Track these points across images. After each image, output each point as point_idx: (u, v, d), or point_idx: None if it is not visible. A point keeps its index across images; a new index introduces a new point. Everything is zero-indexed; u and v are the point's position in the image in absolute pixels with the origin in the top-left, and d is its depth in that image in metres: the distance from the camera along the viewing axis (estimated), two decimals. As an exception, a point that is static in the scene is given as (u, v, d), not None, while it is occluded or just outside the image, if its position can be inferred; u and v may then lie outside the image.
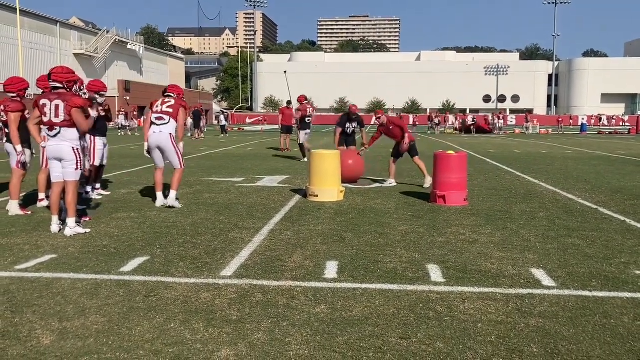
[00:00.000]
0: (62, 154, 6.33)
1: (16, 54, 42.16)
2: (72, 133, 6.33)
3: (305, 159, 16.34)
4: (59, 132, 6.29)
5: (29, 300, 4.11)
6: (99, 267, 4.96)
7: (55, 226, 6.36)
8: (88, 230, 6.40)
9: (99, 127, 8.72)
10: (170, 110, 7.84)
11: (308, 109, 16.63)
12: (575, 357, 3.22)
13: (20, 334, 3.49)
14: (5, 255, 5.36)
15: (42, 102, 6.32)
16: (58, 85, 6.34)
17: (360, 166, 10.92)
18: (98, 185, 9.17)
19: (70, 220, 6.27)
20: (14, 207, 7.51)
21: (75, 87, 6.59)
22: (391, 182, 10.74)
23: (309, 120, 16.50)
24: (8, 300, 4.10)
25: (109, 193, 9.33)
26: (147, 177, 11.72)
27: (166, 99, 7.99)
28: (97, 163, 8.83)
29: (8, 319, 3.74)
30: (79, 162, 6.40)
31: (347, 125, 12.46)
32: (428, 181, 10.09)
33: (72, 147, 6.33)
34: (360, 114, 12.90)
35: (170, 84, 8.60)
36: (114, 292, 4.29)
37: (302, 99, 16.83)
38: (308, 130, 16.55)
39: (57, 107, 6.24)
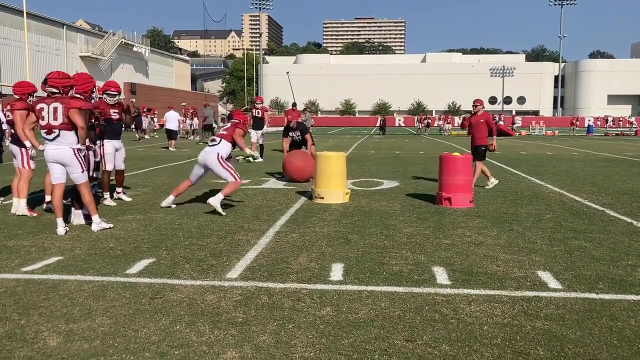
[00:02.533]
0: (64, 159, 6.35)
1: (23, 57, 42.38)
2: (71, 136, 6.35)
3: (261, 159, 16.65)
4: (57, 136, 6.31)
5: (36, 302, 4.13)
6: (105, 269, 4.98)
7: (61, 228, 6.39)
8: (111, 225, 6.72)
9: (108, 130, 8.48)
10: (224, 132, 8.19)
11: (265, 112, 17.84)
12: (581, 360, 3.21)
13: (27, 336, 3.51)
14: (12, 257, 5.39)
15: (39, 106, 6.35)
16: (54, 90, 6.38)
17: (310, 165, 10.88)
18: (120, 189, 8.89)
19: (95, 217, 6.59)
20: (21, 206, 7.55)
21: (71, 91, 6.62)
22: (493, 181, 10.71)
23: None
24: (15, 302, 4.12)
25: (123, 198, 8.95)
26: (152, 179, 11.76)
27: (228, 123, 8.41)
28: (108, 168, 8.52)
29: (15, 321, 3.76)
30: (82, 164, 6.43)
31: (291, 134, 12.59)
32: (492, 182, 10.65)
33: (73, 151, 6.36)
34: (303, 121, 13.01)
35: (236, 111, 8.96)
36: (120, 294, 4.30)
37: (262, 99, 18.13)
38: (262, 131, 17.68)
39: (55, 109, 6.27)
